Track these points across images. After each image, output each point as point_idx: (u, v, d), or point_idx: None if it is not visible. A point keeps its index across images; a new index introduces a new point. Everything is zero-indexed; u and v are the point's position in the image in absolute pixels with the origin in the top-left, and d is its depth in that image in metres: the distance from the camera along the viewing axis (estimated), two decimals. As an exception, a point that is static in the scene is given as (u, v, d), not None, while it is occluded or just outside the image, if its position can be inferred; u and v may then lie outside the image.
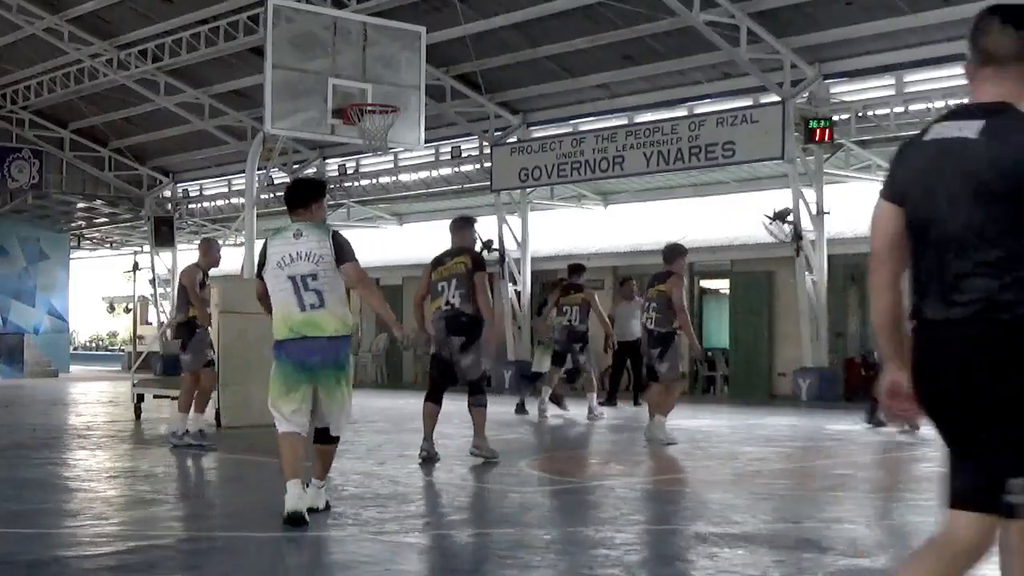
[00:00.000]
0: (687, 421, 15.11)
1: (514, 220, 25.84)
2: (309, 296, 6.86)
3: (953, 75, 19.44)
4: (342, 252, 7.02)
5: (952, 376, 3.10)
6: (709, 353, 24.03)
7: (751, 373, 23.15)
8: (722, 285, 25.19)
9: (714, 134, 21.12)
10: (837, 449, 12.53)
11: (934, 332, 3.17)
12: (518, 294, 25.22)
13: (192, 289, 11.83)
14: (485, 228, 25.80)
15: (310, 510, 6.82)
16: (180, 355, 12.23)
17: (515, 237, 25.61)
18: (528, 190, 25.21)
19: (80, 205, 36.76)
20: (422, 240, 30.56)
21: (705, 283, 25.42)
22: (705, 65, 21.38)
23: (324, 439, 7.14)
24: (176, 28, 24.46)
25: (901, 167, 3.49)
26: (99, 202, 35.68)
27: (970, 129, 3.25)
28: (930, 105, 19.75)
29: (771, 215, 20.96)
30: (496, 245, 25.42)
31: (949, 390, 3.11)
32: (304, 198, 7.26)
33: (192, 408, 11.83)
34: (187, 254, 35.45)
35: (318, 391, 6.97)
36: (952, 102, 19.35)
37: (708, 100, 22.27)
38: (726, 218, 23.72)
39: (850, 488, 9.20)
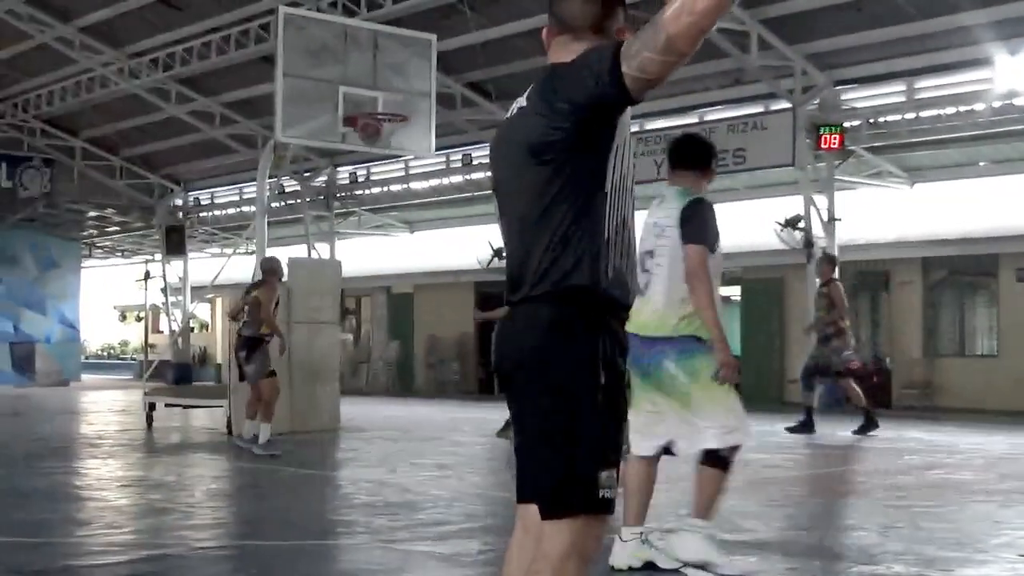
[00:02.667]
0: None
1: None
2: (642, 278, 5.38)
3: (963, 81, 19.52)
4: (689, 226, 5.60)
5: None
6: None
7: (762, 380, 23.08)
8: (733, 292, 25.20)
9: (725, 141, 21.09)
10: (847, 456, 12.57)
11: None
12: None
13: (268, 306, 12.02)
14: (495, 236, 25.99)
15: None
16: (244, 367, 12.29)
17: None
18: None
19: (91, 214, 36.89)
20: (433, 247, 30.80)
21: (725, 290, 25.33)
22: (716, 72, 21.33)
23: (706, 459, 5.65)
24: (187, 37, 24.48)
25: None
26: (110, 211, 35.82)
27: (523, 98, 3.19)
28: (941, 111, 19.80)
29: (782, 222, 21.00)
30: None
31: None
32: (684, 157, 6.10)
33: (258, 417, 12.02)
34: (198, 262, 35.81)
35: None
36: (963, 108, 19.48)
37: (719, 107, 22.27)
38: (737, 225, 23.65)
39: (862, 495, 9.21)
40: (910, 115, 20.23)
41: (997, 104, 19.01)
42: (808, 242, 20.75)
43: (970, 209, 20.87)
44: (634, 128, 22.94)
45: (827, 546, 6.71)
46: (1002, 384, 19.97)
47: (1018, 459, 12.03)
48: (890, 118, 20.46)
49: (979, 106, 19.29)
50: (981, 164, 21.30)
